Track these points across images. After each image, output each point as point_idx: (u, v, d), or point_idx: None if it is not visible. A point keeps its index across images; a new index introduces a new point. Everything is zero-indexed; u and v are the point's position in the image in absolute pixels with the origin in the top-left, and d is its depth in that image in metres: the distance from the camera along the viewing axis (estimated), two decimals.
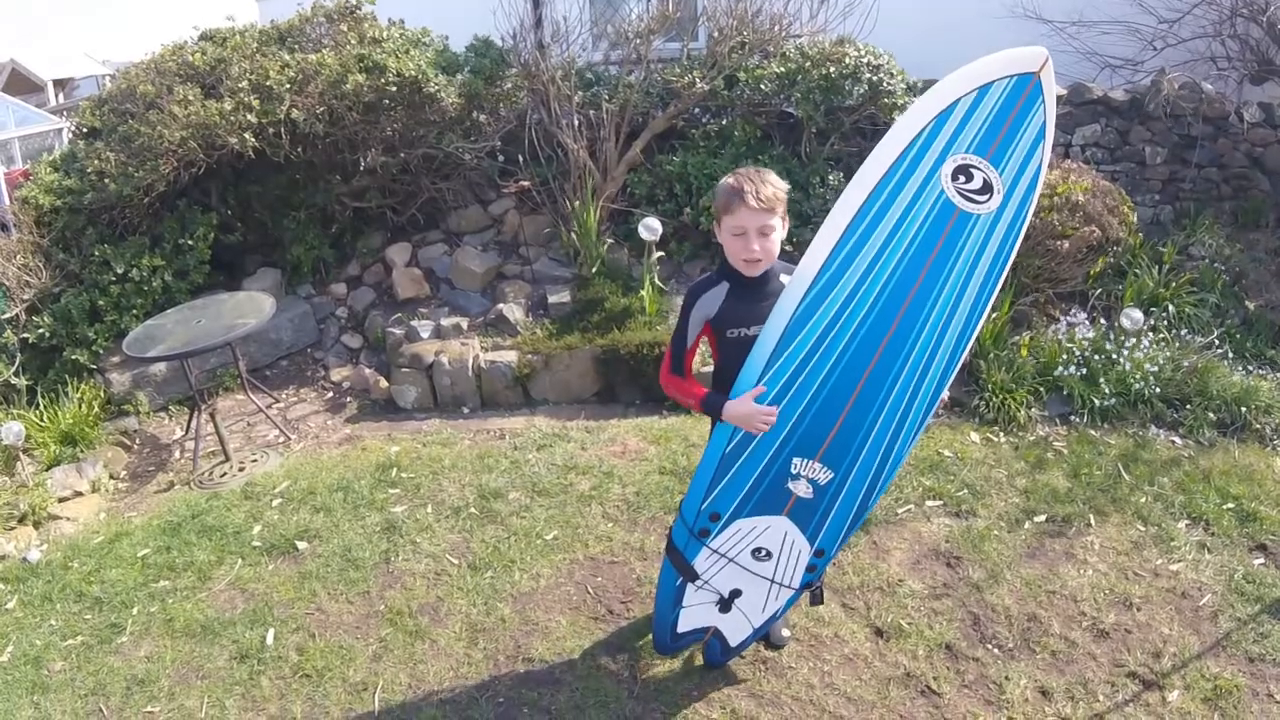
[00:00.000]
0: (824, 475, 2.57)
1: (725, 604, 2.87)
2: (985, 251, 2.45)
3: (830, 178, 5.89)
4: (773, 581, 2.80)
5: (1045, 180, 5.09)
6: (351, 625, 3.43)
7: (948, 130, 2.43)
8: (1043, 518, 3.88)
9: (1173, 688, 2.97)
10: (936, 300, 2.44)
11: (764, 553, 2.75)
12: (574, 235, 5.84)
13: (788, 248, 3.10)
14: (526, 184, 6.34)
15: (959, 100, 2.43)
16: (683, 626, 2.96)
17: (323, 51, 5.67)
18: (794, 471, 2.58)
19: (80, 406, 5.00)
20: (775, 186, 2.50)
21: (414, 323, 5.57)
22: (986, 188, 2.43)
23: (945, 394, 2.57)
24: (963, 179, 2.42)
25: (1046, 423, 4.66)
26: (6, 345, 5.28)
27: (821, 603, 2.98)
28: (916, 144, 2.43)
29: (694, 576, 2.81)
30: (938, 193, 2.42)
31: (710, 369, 2.87)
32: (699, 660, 3.11)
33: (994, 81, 2.43)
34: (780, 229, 2.55)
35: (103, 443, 4.95)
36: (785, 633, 3.20)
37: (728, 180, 2.53)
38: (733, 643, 2.98)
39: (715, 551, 2.76)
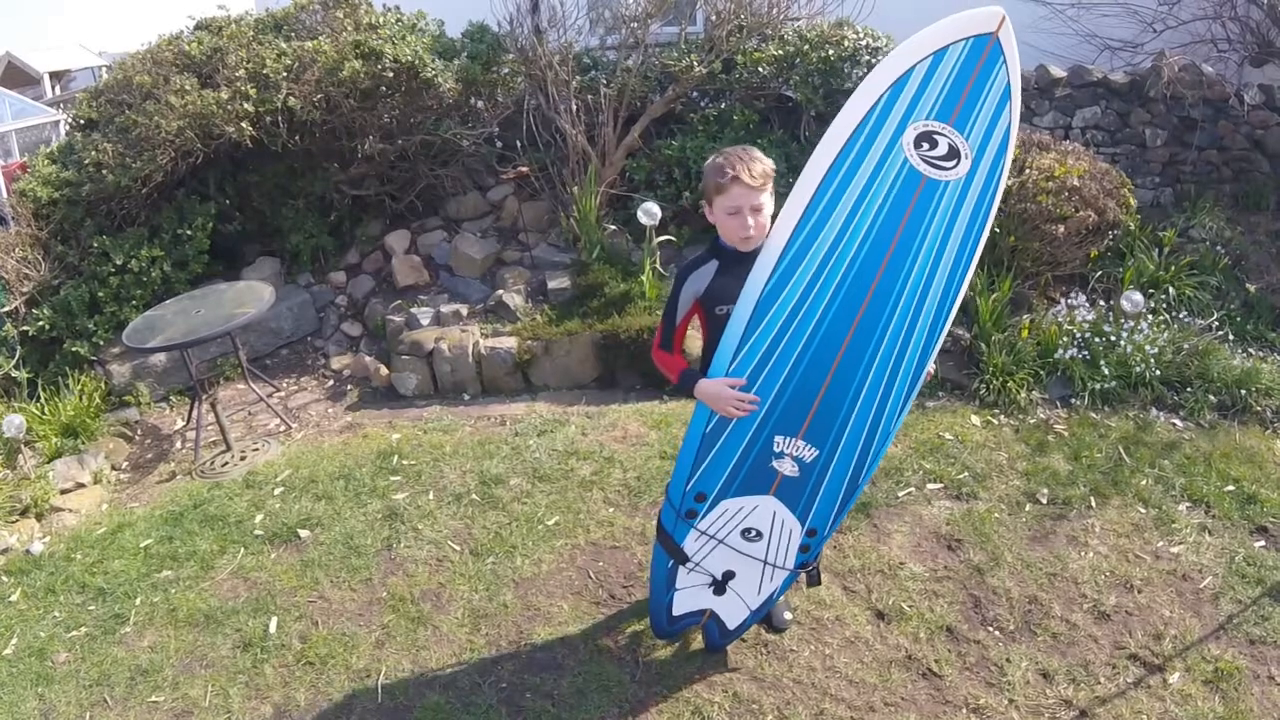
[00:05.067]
0: (809, 453, 2.55)
1: (719, 586, 2.86)
2: (959, 216, 2.42)
3: None
4: (765, 562, 2.78)
5: (1041, 165, 5.16)
6: (354, 612, 3.44)
7: (905, 98, 2.39)
8: (1044, 500, 3.88)
9: (1174, 670, 2.99)
10: (912, 268, 2.41)
11: (754, 533, 2.73)
12: (573, 221, 5.83)
13: None
14: (525, 170, 6.32)
15: (914, 67, 2.38)
16: (678, 609, 2.96)
17: (319, 39, 5.65)
18: (777, 450, 2.55)
19: (81, 398, 5.00)
20: (764, 163, 2.53)
21: (414, 310, 5.56)
22: (953, 153, 2.39)
23: (931, 366, 2.54)
24: (926, 146, 2.39)
25: (1047, 405, 4.66)
26: (6, 338, 5.27)
27: (819, 584, 2.96)
28: (873, 115, 2.39)
29: (684, 559, 2.80)
30: (901, 161, 2.39)
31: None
32: (700, 644, 3.12)
33: (949, 45, 2.37)
34: (770, 205, 2.56)
35: (104, 434, 4.95)
36: (787, 615, 3.21)
37: (717, 160, 2.55)
38: (730, 625, 2.97)
39: (704, 533, 2.75)
